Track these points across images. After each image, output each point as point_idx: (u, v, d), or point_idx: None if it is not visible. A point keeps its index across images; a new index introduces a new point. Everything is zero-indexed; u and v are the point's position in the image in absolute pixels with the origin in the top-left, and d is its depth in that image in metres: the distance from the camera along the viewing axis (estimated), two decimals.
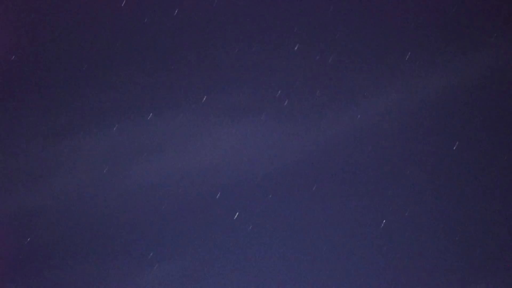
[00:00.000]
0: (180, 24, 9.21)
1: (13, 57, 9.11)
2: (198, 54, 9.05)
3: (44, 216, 9.44)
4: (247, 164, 9.71)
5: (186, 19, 9.22)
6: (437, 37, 9.20)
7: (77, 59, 8.98)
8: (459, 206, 9.03)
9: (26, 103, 9.05)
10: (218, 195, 9.83)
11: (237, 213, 9.85)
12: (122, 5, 9.07)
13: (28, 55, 9.04)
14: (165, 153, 9.84)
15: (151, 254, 10.27)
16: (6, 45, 9.02)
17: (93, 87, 8.94)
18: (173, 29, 9.17)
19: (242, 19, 9.17)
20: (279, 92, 9.10)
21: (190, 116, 9.06)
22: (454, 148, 9.10)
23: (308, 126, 9.39)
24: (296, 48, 9.11)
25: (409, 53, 9.14)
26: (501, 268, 9.06)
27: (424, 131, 9.01)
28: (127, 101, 9.00)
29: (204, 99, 9.10)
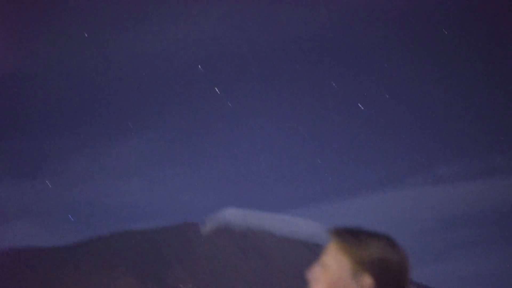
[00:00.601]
0: None
1: None
2: None
3: (29, 82, 10.24)
4: (233, 37, 10.10)
5: None
6: None
7: None
8: (458, 83, 9.96)
9: None
10: (200, 68, 10.42)
11: (217, 88, 10.43)
12: None
13: None
14: (148, 21, 10.23)
15: (130, 124, 11.06)
16: None
17: None
18: None
19: None
20: None
21: None
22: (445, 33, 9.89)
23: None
24: None
25: None
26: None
27: (427, 12, 9.60)
28: None
29: None
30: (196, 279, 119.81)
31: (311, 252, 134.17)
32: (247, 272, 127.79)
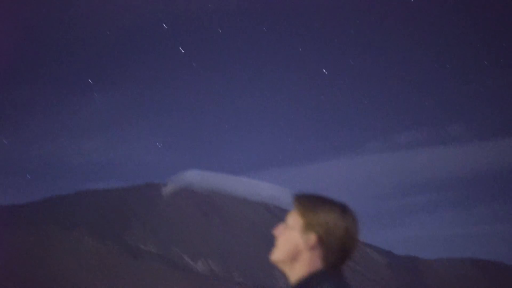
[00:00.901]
0: None
1: None
2: None
3: None
4: None
5: None
6: None
7: None
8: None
9: None
10: (164, 26, 10.62)
11: (182, 47, 10.72)
12: None
13: None
14: None
15: (91, 80, 11.25)
16: None
17: None
18: None
19: None
20: None
21: None
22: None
23: None
24: None
25: None
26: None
27: None
28: None
29: None
30: (156, 239, 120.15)
31: (272, 214, 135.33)
32: (208, 233, 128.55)
